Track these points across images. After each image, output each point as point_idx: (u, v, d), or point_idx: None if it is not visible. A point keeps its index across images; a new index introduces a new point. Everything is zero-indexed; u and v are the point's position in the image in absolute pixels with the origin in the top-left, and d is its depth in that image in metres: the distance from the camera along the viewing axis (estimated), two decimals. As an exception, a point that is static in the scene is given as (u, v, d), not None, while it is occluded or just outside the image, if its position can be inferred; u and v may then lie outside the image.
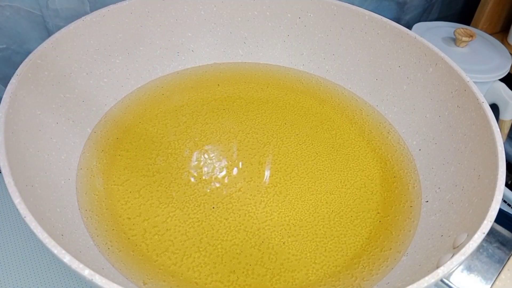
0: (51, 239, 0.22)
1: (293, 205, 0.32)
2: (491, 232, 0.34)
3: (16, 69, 0.30)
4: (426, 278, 0.22)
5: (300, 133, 0.38)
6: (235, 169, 0.35)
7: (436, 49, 0.35)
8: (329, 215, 0.32)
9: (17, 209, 0.23)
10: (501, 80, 0.50)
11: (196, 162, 0.35)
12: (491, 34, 0.56)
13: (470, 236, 0.24)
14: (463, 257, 0.23)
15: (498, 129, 0.29)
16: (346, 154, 0.37)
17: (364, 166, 0.36)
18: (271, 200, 0.33)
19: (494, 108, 0.47)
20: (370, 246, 0.31)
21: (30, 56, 0.31)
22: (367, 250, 0.30)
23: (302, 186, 0.34)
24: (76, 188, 0.31)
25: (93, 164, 0.33)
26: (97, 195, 0.32)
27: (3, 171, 0.24)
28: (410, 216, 0.32)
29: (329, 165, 0.36)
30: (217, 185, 0.33)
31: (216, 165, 0.35)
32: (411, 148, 0.37)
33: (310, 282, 0.28)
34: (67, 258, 0.21)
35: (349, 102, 0.41)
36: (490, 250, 0.34)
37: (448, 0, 0.66)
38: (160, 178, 0.33)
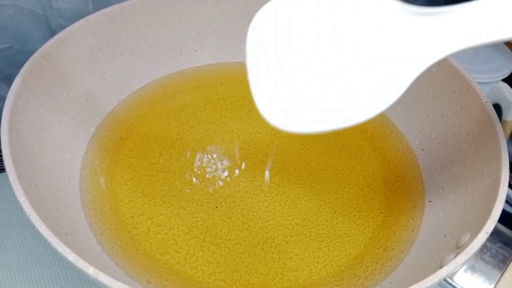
0: (56, 238, 0.22)
1: (296, 205, 0.32)
2: (495, 232, 0.34)
3: (19, 68, 0.30)
4: (430, 277, 0.22)
5: (303, 132, 0.38)
6: (238, 168, 0.35)
7: (439, 49, 0.35)
8: (332, 215, 0.32)
9: (21, 208, 0.23)
10: (504, 80, 0.50)
11: (199, 162, 0.35)
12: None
13: (473, 236, 0.24)
14: (466, 257, 0.23)
15: (502, 129, 0.29)
16: (349, 154, 0.37)
17: (367, 166, 0.36)
18: (274, 199, 0.33)
19: (497, 108, 0.47)
20: (373, 245, 0.31)
21: (34, 55, 0.31)
22: (370, 250, 0.30)
23: (305, 185, 0.34)
24: (80, 187, 0.32)
25: (97, 163, 0.33)
26: (100, 194, 0.32)
27: (7, 170, 0.24)
28: (413, 216, 0.32)
29: (331, 164, 0.36)
30: (220, 184, 0.33)
31: (219, 165, 0.35)
32: (414, 148, 0.37)
33: (313, 282, 0.28)
34: (71, 257, 0.21)
35: (352, 102, 0.41)
36: (493, 250, 0.34)
37: (450, 0, 0.66)
38: (163, 177, 0.33)
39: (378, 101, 0.22)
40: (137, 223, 0.30)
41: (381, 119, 0.40)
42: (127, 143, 0.35)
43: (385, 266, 0.29)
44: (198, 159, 0.35)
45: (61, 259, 0.23)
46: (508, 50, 0.53)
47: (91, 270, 0.21)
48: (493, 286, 0.32)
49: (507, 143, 0.29)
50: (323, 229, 0.31)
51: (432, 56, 0.22)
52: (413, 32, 0.22)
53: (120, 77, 0.38)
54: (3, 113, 0.27)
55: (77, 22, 0.35)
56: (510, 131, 0.52)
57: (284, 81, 0.22)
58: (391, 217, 0.32)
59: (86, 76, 0.36)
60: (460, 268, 0.33)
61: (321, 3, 0.22)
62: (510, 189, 0.45)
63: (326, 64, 0.22)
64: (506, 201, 0.46)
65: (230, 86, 0.42)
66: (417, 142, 0.37)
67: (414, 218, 0.32)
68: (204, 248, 0.29)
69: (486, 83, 0.50)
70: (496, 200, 0.26)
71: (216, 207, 0.32)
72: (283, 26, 0.22)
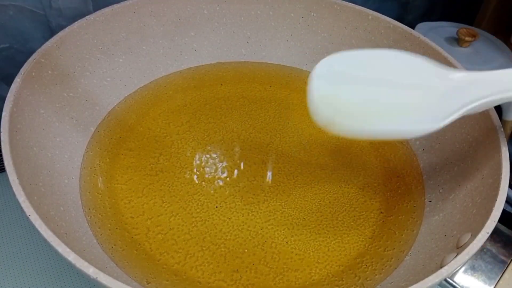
0: (56, 238, 0.22)
1: (296, 205, 0.32)
2: (495, 232, 0.34)
3: (19, 68, 0.30)
4: (430, 277, 0.22)
5: (303, 132, 0.38)
6: (238, 168, 0.35)
7: (439, 49, 0.35)
8: (332, 215, 0.32)
9: (21, 208, 0.23)
10: (504, 80, 0.50)
11: (199, 162, 0.35)
12: (494, 34, 0.56)
13: (474, 236, 0.24)
14: (467, 257, 0.23)
15: (502, 129, 0.29)
16: (349, 154, 0.37)
17: (367, 166, 0.36)
18: (274, 199, 0.33)
19: (497, 108, 0.47)
20: (374, 245, 0.31)
21: (34, 55, 0.31)
22: (370, 250, 0.30)
23: (305, 185, 0.34)
24: (80, 187, 0.32)
25: (96, 163, 0.33)
26: (100, 194, 0.32)
27: (7, 170, 0.24)
28: (413, 215, 0.32)
29: (332, 164, 0.36)
30: (220, 184, 0.33)
31: (219, 165, 0.35)
32: (414, 147, 0.37)
33: (314, 282, 0.28)
34: (71, 257, 0.21)
35: (352, 101, 0.41)
36: (493, 250, 0.34)
37: None
38: (163, 177, 0.33)
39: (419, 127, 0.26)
40: (137, 223, 0.30)
41: (381, 119, 0.40)
42: (127, 143, 0.35)
43: (385, 266, 0.29)
44: (198, 159, 0.35)
45: (61, 259, 0.23)
46: (508, 50, 0.53)
47: (91, 270, 0.21)
48: (493, 286, 0.32)
49: (507, 143, 0.29)
50: (323, 229, 0.31)
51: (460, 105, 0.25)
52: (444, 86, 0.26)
53: (120, 77, 0.38)
54: (3, 113, 0.27)
55: (77, 22, 0.35)
56: (510, 131, 0.52)
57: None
58: (391, 217, 0.32)
59: (86, 76, 0.36)
60: (460, 268, 0.33)
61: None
62: (510, 189, 0.45)
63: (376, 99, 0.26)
64: (507, 201, 0.46)
65: (230, 86, 0.42)
66: (417, 142, 0.37)
67: (414, 218, 0.32)
68: (204, 248, 0.29)
69: (486, 83, 0.49)
70: (496, 200, 0.26)
71: (216, 207, 0.32)
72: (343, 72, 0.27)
